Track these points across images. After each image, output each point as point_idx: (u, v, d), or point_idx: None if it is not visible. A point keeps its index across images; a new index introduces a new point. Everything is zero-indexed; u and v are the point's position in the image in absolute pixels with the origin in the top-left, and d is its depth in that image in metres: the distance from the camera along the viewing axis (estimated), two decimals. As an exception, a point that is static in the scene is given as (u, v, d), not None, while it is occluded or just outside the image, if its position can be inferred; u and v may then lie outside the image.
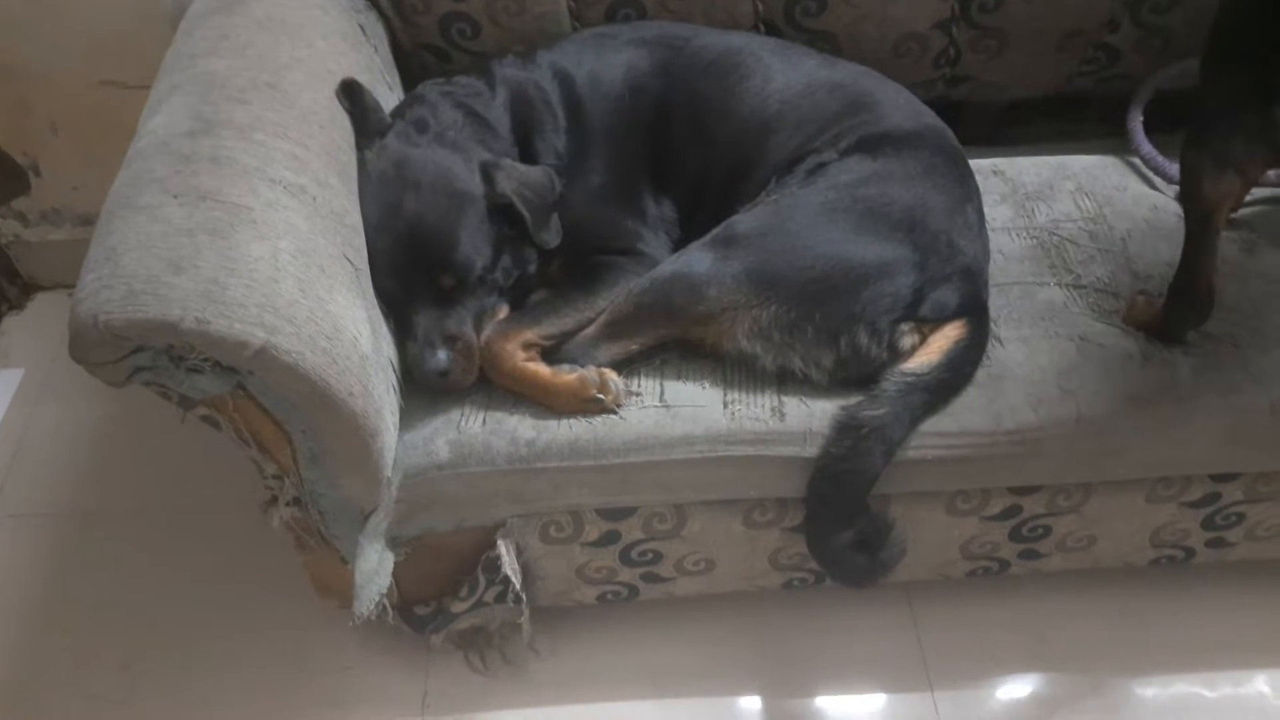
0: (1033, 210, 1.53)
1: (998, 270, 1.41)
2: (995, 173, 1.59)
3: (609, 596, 1.48)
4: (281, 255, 1.05)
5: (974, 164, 1.43)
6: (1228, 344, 1.31)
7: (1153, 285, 1.39)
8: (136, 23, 1.69)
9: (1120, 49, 1.61)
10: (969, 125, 1.62)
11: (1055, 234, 1.49)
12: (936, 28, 1.57)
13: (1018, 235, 1.49)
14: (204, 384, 1.04)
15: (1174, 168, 1.49)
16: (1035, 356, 1.30)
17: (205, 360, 1.02)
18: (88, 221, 1.99)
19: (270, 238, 1.06)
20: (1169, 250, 1.42)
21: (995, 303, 1.36)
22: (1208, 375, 1.28)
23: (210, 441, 1.34)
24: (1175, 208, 1.50)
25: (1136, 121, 1.60)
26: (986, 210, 1.42)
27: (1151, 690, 1.50)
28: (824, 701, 1.51)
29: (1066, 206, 1.53)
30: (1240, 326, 1.33)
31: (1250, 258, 1.43)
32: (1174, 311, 1.30)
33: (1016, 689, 1.51)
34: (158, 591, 1.63)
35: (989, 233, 1.40)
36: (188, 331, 0.97)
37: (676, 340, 1.31)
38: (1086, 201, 1.54)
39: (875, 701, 1.51)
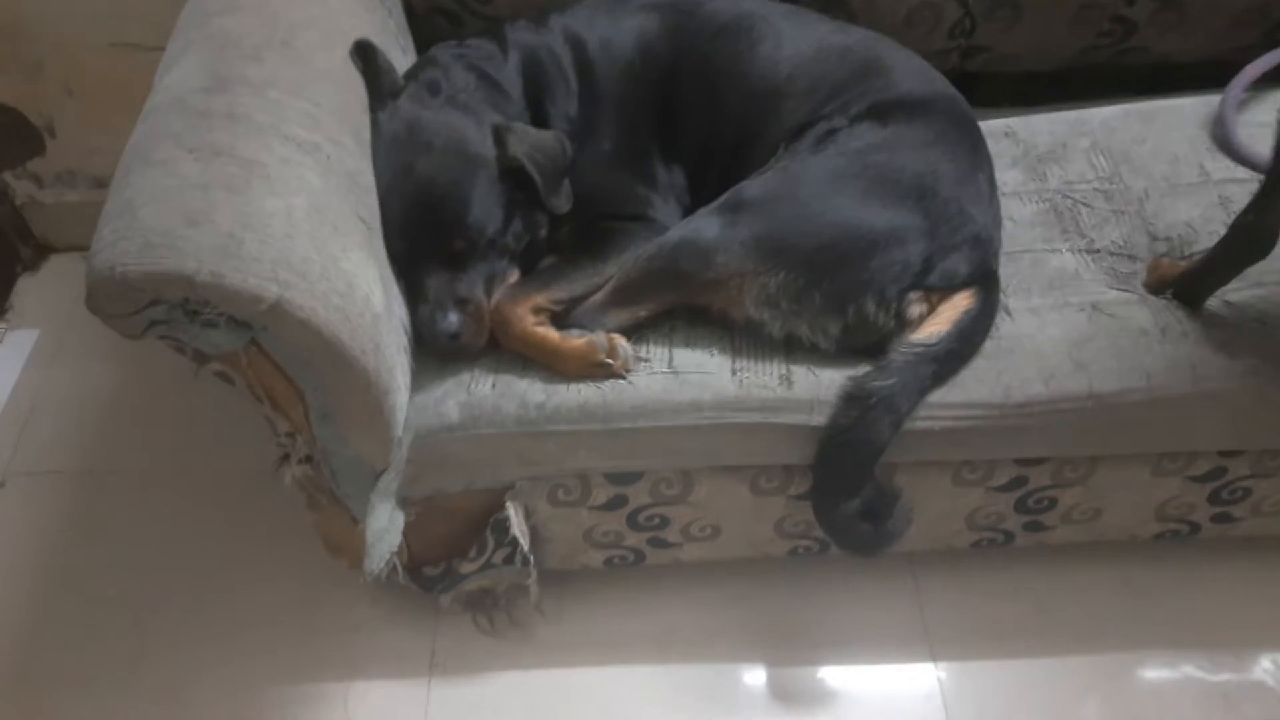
0: (1045, 173, 1.50)
1: (1007, 238, 1.39)
2: (1007, 134, 1.56)
3: (615, 561, 1.49)
4: (296, 212, 1.06)
5: (986, 126, 1.42)
6: (1253, 321, 1.29)
7: (1171, 246, 1.36)
8: (151, -16, 1.69)
9: (1136, 21, 1.60)
10: (984, 97, 1.61)
11: (1068, 197, 1.46)
12: (952, -3, 1.56)
13: (1029, 200, 1.47)
14: (218, 338, 1.05)
15: (1266, 156, 1.38)
16: (1046, 328, 1.30)
17: (220, 314, 1.03)
18: (102, 184, 1.99)
19: (284, 194, 1.07)
20: (1188, 209, 1.41)
21: (1005, 271, 1.35)
22: (1226, 353, 1.26)
23: (222, 402, 1.37)
24: (1197, 159, 1.48)
25: (1232, 113, 1.52)
26: (997, 175, 1.40)
27: (1154, 665, 1.50)
28: (826, 670, 1.52)
29: (1080, 167, 1.50)
30: (1268, 302, 1.30)
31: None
32: (1230, 249, 1.24)
33: (1019, 661, 1.52)
34: (169, 550, 1.66)
35: (1000, 199, 1.39)
36: (203, 284, 0.98)
37: (685, 307, 1.31)
38: (1101, 160, 1.51)
39: (877, 671, 1.52)
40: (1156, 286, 1.33)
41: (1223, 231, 1.28)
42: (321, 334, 1.05)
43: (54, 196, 2.04)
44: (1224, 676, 1.49)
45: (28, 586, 1.63)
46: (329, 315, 1.05)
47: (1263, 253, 1.23)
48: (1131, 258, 1.37)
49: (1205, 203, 1.43)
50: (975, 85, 1.57)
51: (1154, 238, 1.40)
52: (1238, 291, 1.31)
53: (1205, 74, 1.59)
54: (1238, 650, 1.51)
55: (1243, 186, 1.44)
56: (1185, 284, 1.30)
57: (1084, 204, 1.45)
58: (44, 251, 2.13)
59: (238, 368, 1.11)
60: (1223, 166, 1.48)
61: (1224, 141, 1.51)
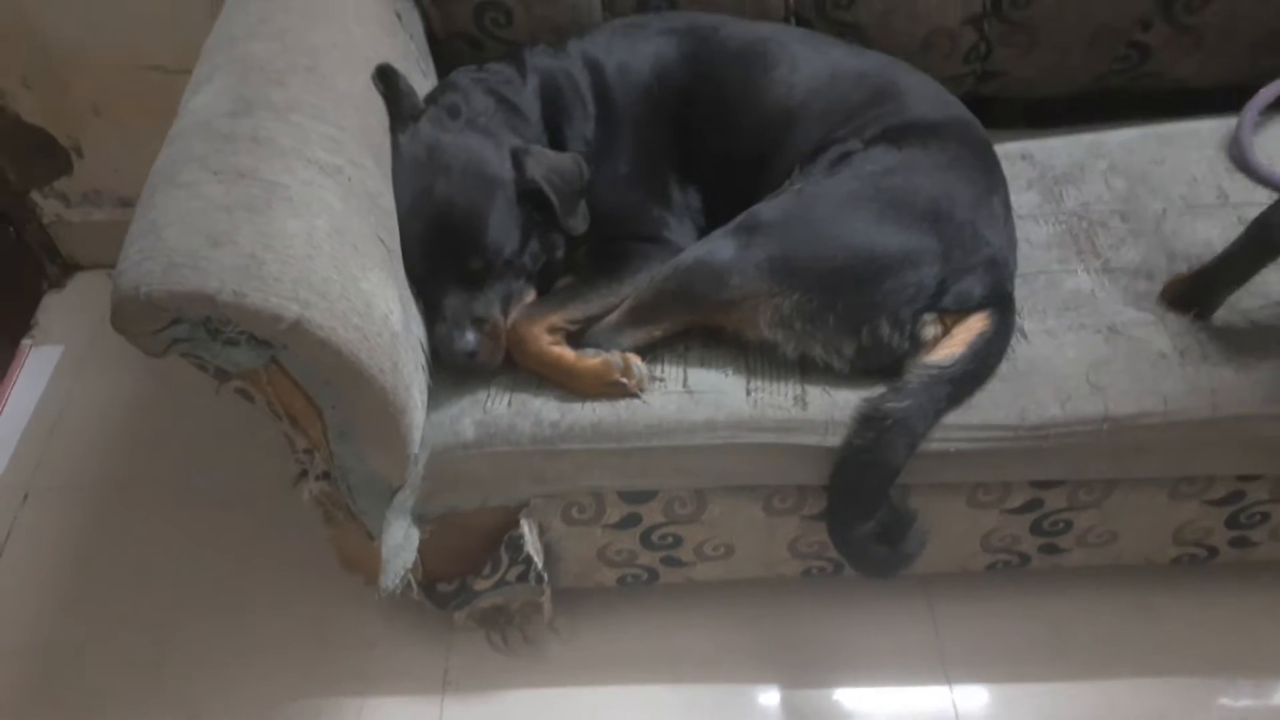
0: (1061, 194, 1.50)
1: (1023, 259, 1.39)
2: (1024, 157, 1.56)
3: (629, 579, 1.50)
4: (317, 233, 1.08)
5: (1002, 148, 1.42)
6: (1276, 343, 1.27)
7: (1190, 265, 1.35)
8: (178, 7, 1.72)
9: (1152, 46, 1.60)
10: (999, 121, 1.62)
11: (1084, 218, 1.46)
12: (967, 23, 1.57)
13: (1045, 221, 1.47)
14: (239, 357, 1.07)
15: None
16: (1062, 350, 1.29)
17: (241, 333, 1.04)
18: (127, 203, 2.03)
19: (306, 215, 1.08)
20: (1206, 229, 1.41)
21: (1020, 293, 1.35)
22: (1247, 377, 1.25)
23: (242, 419, 1.39)
24: (1215, 180, 1.48)
25: (1249, 135, 1.52)
26: (1013, 197, 1.41)
27: (1170, 691, 1.49)
28: (840, 692, 1.52)
29: (1097, 188, 1.50)
30: None
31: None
32: (1248, 245, 1.23)
33: (1034, 685, 1.51)
34: (188, 565, 1.67)
35: (1015, 221, 1.39)
36: (225, 304, 1.00)
37: (699, 327, 1.32)
38: (1119, 181, 1.51)
39: (891, 693, 1.52)
40: (1173, 297, 1.32)
41: None
42: (340, 353, 1.06)
43: (80, 215, 2.08)
44: (1243, 703, 1.48)
45: (49, 599, 1.65)
46: (348, 334, 1.06)
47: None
48: (1149, 276, 1.37)
49: (1224, 223, 1.42)
50: (991, 110, 1.58)
51: (1172, 257, 1.39)
52: (1263, 309, 1.30)
53: (1223, 100, 1.59)
54: (1257, 676, 1.50)
55: (1261, 209, 1.43)
56: (1200, 282, 1.29)
57: (1100, 225, 1.45)
58: (70, 269, 2.17)
59: (258, 385, 1.12)
60: (1241, 187, 1.48)
61: (1241, 162, 1.51)
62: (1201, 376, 1.26)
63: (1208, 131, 1.57)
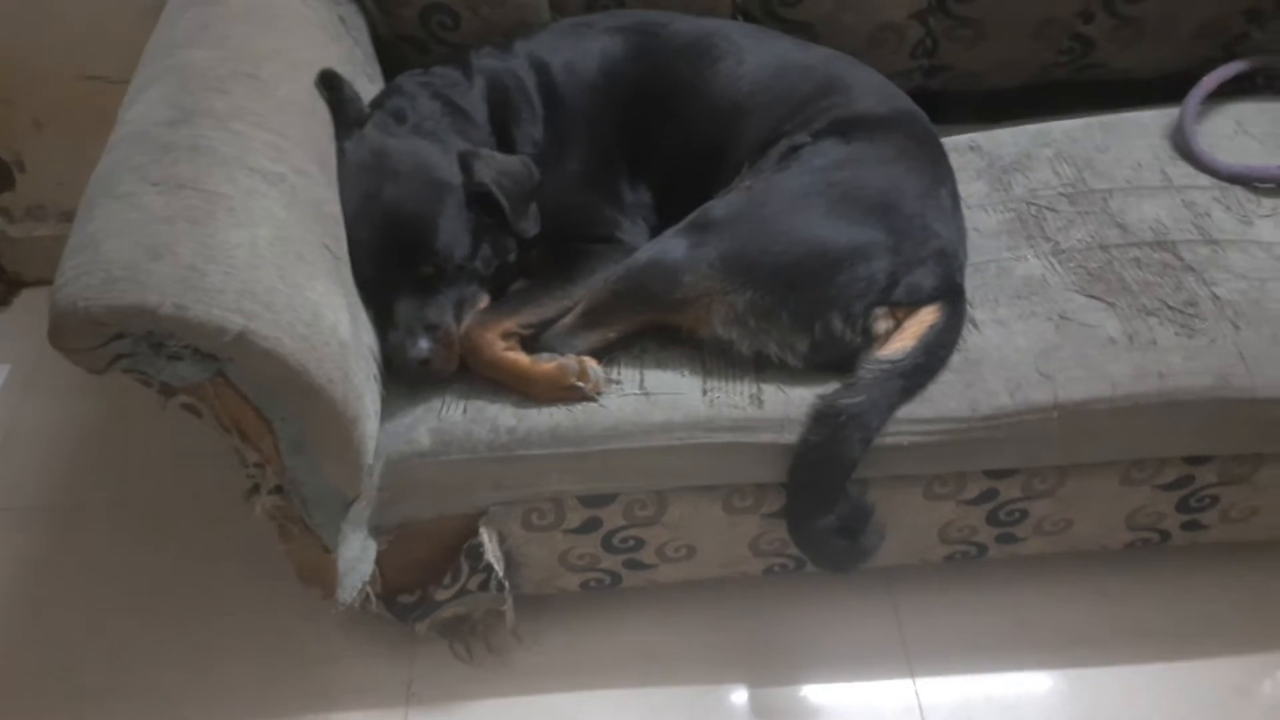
0: (1009, 183, 1.52)
1: (973, 248, 1.40)
2: (972, 148, 1.58)
3: (592, 584, 1.49)
4: (260, 242, 1.06)
5: (951, 140, 1.43)
6: (1228, 324, 1.30)
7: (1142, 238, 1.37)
8: (120, 17, 1.69)
9: (1095, 39, 1.63)
10: (948, 115, 1.63)
11: (1033, 204, 1.47)
12: (913, 17, 1.58)
13: (994, 210, 1.48)
14: (184, 371, 1.05)
15: (1226, 164, 1.48)
16: (1013, 339, 1.31)
17: (185, 347, 1.03)
18: (71, 217, 1.97)
19: (248, 225, 1.07)
20: (1154, 208, 1.43)
21: (971, 282, 1.36)
22: (1195, 359, 1.27)
23: (193, 435, 1.36)
24: (1159, 165, 1.51)
25: (1191, 123, 1.54)
26: (962, 188, 1.42)
27: (1130, 674, 1.51)
28: (806, 688, 1.52)
29: (1044, 175, 1.52)
30: (1248, 299, 1.31)
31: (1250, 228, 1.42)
32: None
33: (997, 674, 1.52)
34: (143, 583, 1.64)
35: (964, 211, 1.41)
36: (166, 317, 0.98)
37: (655, 327, 1.31)
38: (1065, 167, 1.53)
39: (856, 688, 1.52)
40: None
41: (1194, 233, 1.27)
42: (288, 364, 1.05)
43: (24, 231, 2.04)
44: (1204, 683, 1.50)
45: (1, 620, 1.60)
46: (294, 345, 1.05)
47: None
48: (1102, 247, 1.38)
49: (1170, 204, 1.45)
50: (940, 104, 1.59)
51: (1124, 228, 1.41)
52: (1227, 283, 1.32)
53: (1169, 90, 1.61)
54: (1213, 657, 1.52)
55: (1205, 193, 1.47)
56: None
57: (1049, 209, 1.47)
58: (15, 286, 2.12)
59: (205, 399, 1.10)
60: (1184, 173, 1.51)
61: (1184, 149, 1.54)
62: (1150, 360, 1.28)
63: (1150, 121, 1.60)
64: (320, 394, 1.09)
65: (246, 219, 1.07)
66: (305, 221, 1.15)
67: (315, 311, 1.09)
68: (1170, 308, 1.32)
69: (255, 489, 1.23)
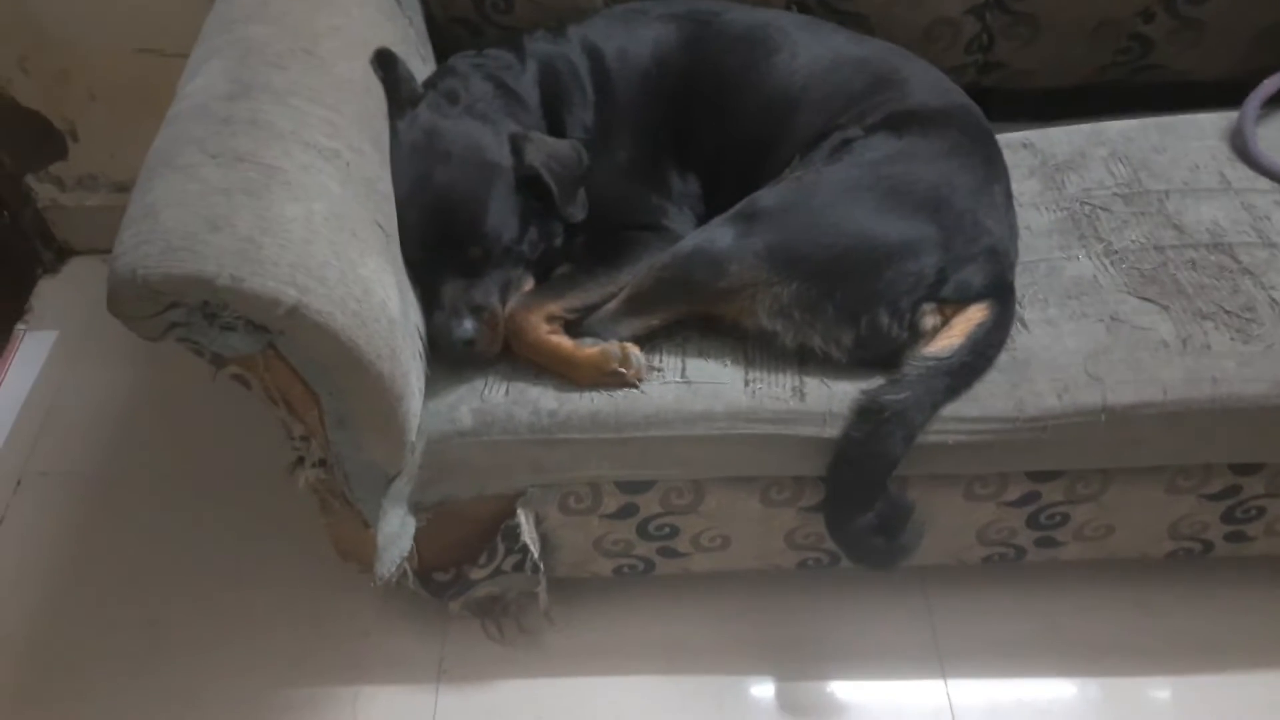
0: (1062, 181, 1.50)
1: (1024, 247, 1.38)
2: (1025, 146, 1.56)
3: (625, 570, 1.49)
4: (315, 217, 1.07)
5: (1003, 138, 1.41)
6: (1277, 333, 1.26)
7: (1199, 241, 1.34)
8: (175, -9, 1.71)
9: (1154, 39, 1.60)
10: (1001, 113, 1.61)
11: (1086, 203, 1.45)
12: (970, 13, 1.56)
13: (1046, 209, 1.46)
14: (235, 342, 1.06)
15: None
16: (1062, 339, 1.29)
17: (238, 318, 1.03)
18: (123, 188, 2.02)
19: (304, 200, 1.08)
20: (1211, 210, 1.41)
21: (1021, 281, 1.34)
22: (1250, 366, 1.24)
23: (237, 406, 1.38)
24: (1217, 167, 1.48)
25: (1251, 126, 1.51)
26: (1014, 185, 1.40)
27: (1165, 685, 1.49)
28: (835, 684, 1.52)
29: (1099, 174, 1.50)
30: None
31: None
32: None
33: (1029, 679, 1.51)
34: (182, 552, 1.67)
35: (1016, 209, 1.39)
36: (222, 288, 0.99)
37: (698, 316, 1.31)
38: (1120, 167, 1.50)
39: (887, 686, 1.52)
40: None
41: (1252, 236, 1.24)
42: (338, 339, 1.06)
43: (75, 200, 2.07)
44: (1238, 697, 1.48)
45: (42, 586, 1.64)
46: (346, 320, 1.05)
47: None
48: (1157, 249, 1.36)
49: (1229, 206, 1.42)
50: (992, 101, 1.57)
51: (1180, 229, 1.38)
52: None
53: (1226, 94, 1.58)
54: (1252, 671, 1.50)
55: (1265, 196, 1.44)
56: None
57: (1102, 209, 1.44)
58: (65, 254, 2.15)
59: (254, 371, 1.11)
60: (1243, 175, 1.48)
61: (1243, 152, 1.51)
62: (1203, 365, 1.26)
63: (1208, 123, 1.57)
64: (368, 370, 1.10)
65: (302, 193, 1.08)
66: (359, 198, 1.15)
67: (366, 288, 1.09)
68: (1226, 312, 1.30)
69: (299, 462, 1.24)
